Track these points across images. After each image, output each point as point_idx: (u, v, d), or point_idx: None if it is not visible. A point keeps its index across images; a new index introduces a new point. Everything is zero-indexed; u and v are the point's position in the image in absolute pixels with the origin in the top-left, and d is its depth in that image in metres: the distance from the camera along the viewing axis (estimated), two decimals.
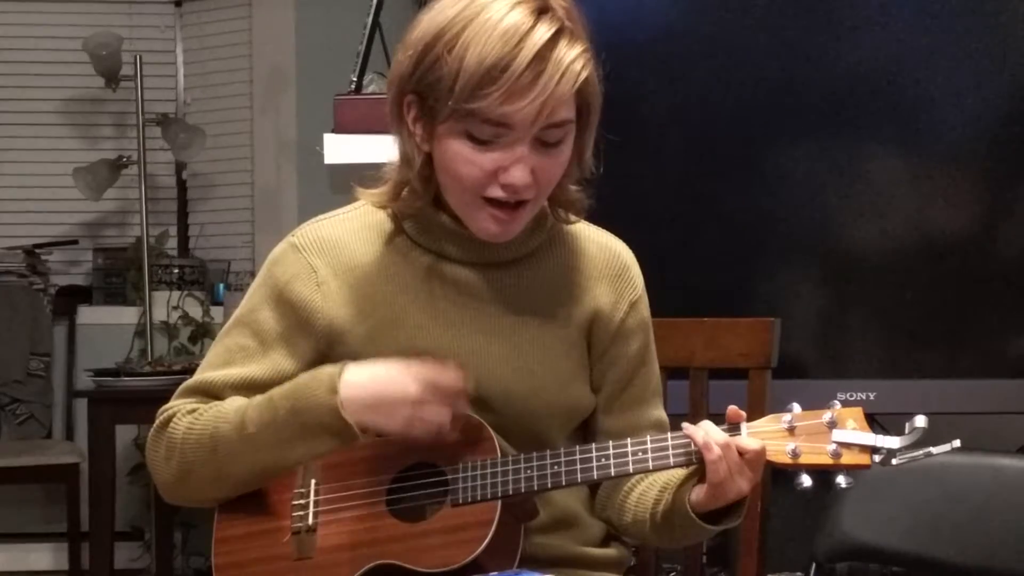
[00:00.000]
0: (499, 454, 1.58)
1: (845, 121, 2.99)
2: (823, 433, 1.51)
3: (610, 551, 1.77)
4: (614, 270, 1.76)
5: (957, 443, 1.49)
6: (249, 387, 1.68)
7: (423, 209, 1.68)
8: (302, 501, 1.66)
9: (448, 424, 1.57)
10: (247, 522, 1.68)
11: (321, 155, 2.60)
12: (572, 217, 1.74)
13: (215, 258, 5.12)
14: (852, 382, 2.92)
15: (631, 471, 1.57)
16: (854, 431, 1.50)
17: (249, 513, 1.68)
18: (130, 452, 4.68)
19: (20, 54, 5.15)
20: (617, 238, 1.80)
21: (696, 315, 2.07)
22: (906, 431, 1.49)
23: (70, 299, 5.04)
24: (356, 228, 1.73)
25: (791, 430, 1.53)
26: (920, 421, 1.48)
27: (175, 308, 4.92)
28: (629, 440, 1.57)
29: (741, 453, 1.52)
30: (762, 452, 1.52)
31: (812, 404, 1.54)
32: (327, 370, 1.61)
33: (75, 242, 5.14)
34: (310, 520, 1.64)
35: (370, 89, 2.69)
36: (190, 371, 1.83)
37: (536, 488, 1.57)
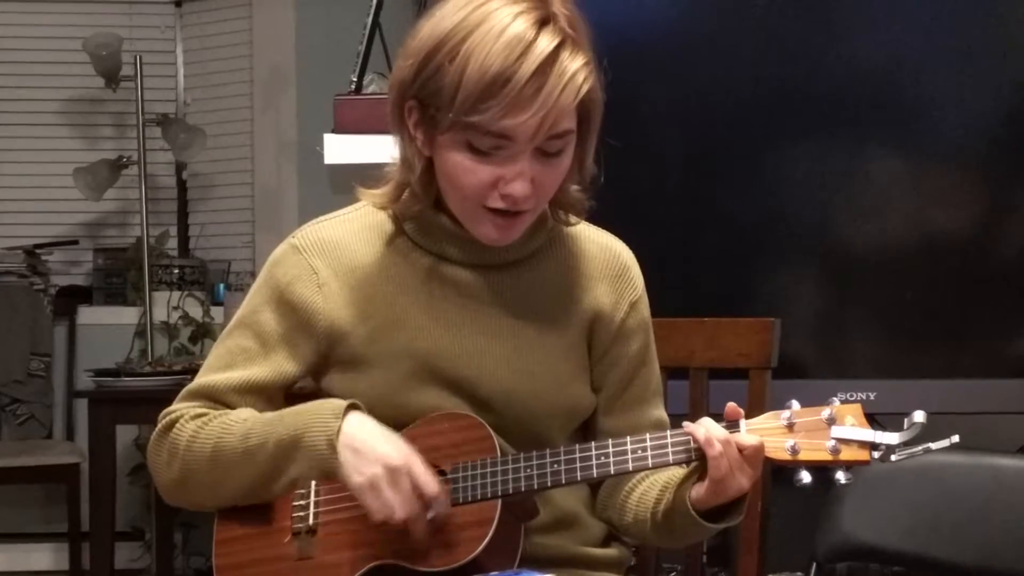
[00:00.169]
0: (499, 453, 1.59)
1: (845, 121, 2.99)
2: (822, 429, 1.52)
3: (610, 551, 1.77)
4: (614, 270, 1.76)
5: (956, 438, 1.49)
6: (251, 389, 1.69)
7: (423, 211, 1.68)
8: (303, 502, 1.66)
9: (401, 519, 1.54)
10: (248, 523, 1.68)
11: (321, 155, 2.60)
12: (573, 219, 1.74)
13: (215, 258, 5.12)
14: (852, 382, 2.92)
15: (631, 469, 1.57)
16: (853, 427, 1.51)
17: (250, 514, 1.68)
18: (130, 452, 4.68)
19: (20, 54, 5.16)
20: (617, 238, 1.80)
21: (696, 315, 2.07)
22: (905, 426, 1.49)
23: (70, 299, 5.04)
24: (357, 229, 1.73)
25: (790, 427, 1.53)
26: (919, 416, 1.49)
27: (175, 308, 4.92)
28: (629, 438, 1.57)
29: (740, 449, 1.53)
30: (761, 448, 1.53)
31: (812, 404, 1.55)
32: (339, 402, 1.62)
33: (75, 242, 5.15)
34: (311, 521, 1.65)
35: (370, 89, 2.69)
36: (190, 371, 1.84)
37: (536, 487, 1.57)
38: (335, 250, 1.71)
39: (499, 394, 1.66)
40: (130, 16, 5.20)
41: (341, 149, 2.57)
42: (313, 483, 1.65)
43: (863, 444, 1.50)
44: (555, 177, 1.62)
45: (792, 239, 3.02)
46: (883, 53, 2.97)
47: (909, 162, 3.01)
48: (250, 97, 5.04)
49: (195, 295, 4.96)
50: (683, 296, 2.30)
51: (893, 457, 1.49)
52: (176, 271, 4.97)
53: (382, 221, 1.73)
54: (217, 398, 1.70)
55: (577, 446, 1.59)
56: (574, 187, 1.69)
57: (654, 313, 1.80)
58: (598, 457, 1.57)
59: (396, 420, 1.63)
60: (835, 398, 1.54)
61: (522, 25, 1.53)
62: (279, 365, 1.69)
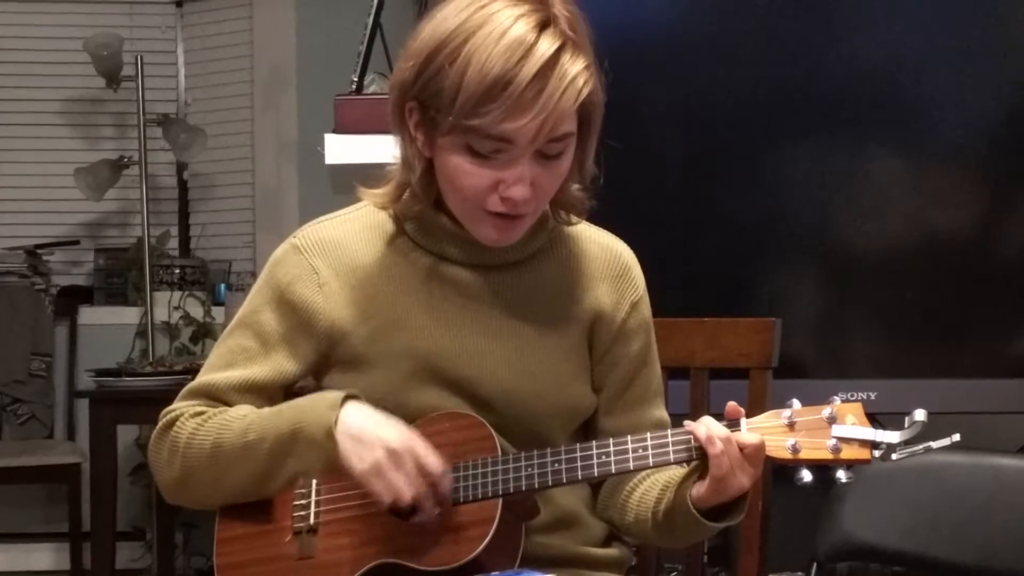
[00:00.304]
0: (500, 453, 1.59)
1: (845, 121, 2.99)
2: (823, 428, 1.52)
3: (611, 551, 1.77)
4: (615, 271, 1.76)
5: (957, 437, 1.50)
6: (251, 388, 1.69)
7: (424, 212, 1.69)
8: (303, 501, 1.66)
9: (407, 500, 1.55)
10: (249, 522, 1.68)
11: (322, 155, 2.60)
12: (573, 219, 1.74)
13: (216, 258, 5.13)
14: (852, 382, 2.92)
15: (631, 468, 1.57)
16: (854, 426, 1.51)
17: (251, 513, 1.68)
18: (131, 452, 4.68)
19: (21, 54, 5.16)
20: (618, 239, 1.80)
21: (697, 315, 2.07)
22: (906, 425, 1.49)
23: (71, 299, 5.04)
24: (358, 229, 1.73)
25: (791, 425, 1.53)
26: (919, 415, 1.49)
27: (176, 308, 4.92)
28: (629, 437, 1.57)
29: (741, 448, 1.53)
30: (761, 446, 1.53)
31: (813, 403, 1.55)
32: (336, 392, 1.62)
33: (76, 242, 5.15)
34: (312, 520, 1.65)
35: (371, 89, 2.69)
36: (191, 371, 1.84)
37: (537, 486, 1.58)
38: (336, 250, 1.71)
39: (500, 394, 1.67)
40: (131, 16, 5.20)
41: (342, 149, 2.57)
42: (314, 482, 1.66)
43: (864, 443, 1.50)
44: (555, 179, 1.62)
45: (792, 239, 3.02)
46: (883, 53, 2.97)
47: (909, 162, 3.01)
48: (251, 97, 5.04)
49: (196, 295, 4.96)
50: (684, 296, 2.30)
51: (894, 456, 1.49)
52: (177, 271, 4.97)
53: (383, 221, 1.73)
54: (217, 397, 1.70)
55: (578, 445, 1.59)
56: (575, 187, 1.69)
57: (655, 313, 1.80)
58: (599, 456, 1.57)
59: None
60: (836, 397, 1.54)
61: (523, 28, 1.53)
62: (279, 365, 1.69)
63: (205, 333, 4.90)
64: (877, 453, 1.50)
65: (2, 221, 5.15)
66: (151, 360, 4.60)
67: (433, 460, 1.56)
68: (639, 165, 2.78)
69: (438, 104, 1.56)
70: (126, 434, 4.45)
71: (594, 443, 1.59)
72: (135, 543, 4.82)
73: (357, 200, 1.75)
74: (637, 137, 2.54)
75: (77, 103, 5.17)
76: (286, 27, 4.93)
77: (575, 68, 1.54)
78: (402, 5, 3.36)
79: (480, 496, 1.57)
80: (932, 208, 3.01)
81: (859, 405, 1.53)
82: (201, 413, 1.69)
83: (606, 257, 1.76)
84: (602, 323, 1.73)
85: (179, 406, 1.71)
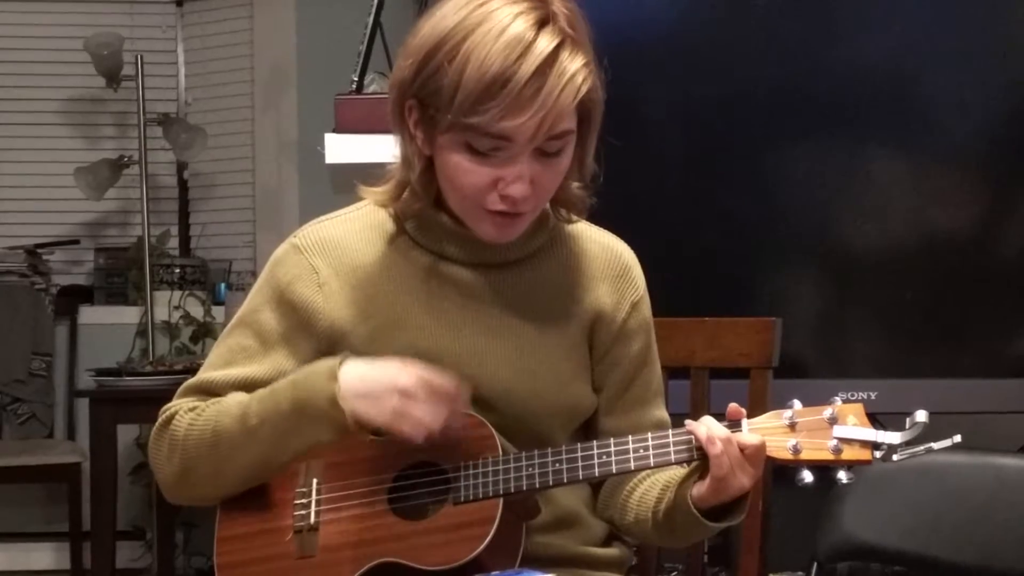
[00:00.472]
0: (501, 452, 1.59)
1: (846, 121, 2.99)
2: (824, 429, 1.52)
3: (612, 550, 1.77)
4: (616, 271, 1.76)
5: (958, 438, 1.49)
6: (250, 387, 1.68)
7: (424, 210, 1.69)
8: (304, 500, 1.66)
9: (439, 426, 1.56)
10: (249, 521, 1.68)
11: (322, 155, 2.60)
12: (574, 217, 1.74)
13: (216, 258, 5.12)
14: (853, 381, 2.92)
15: (632, 467, 1.57)
16: (855, 427, 1.51)
17: (251, 512, 1.68)
18: (131, 452, 4.68)
19: (21, 54, 5.15)
20: (619, 238, 1.80)
21: (697, 315, 2.07)
22: (907, 426, 1.49)
23: (71, 299, 5.04)
24: (358, 229, 1.73)
25: (792, 426, 1.53)
26: (921, 416, 1.49)
27: (176, 308, 4.92)
28: (630, 437, 1.57)
29: (742, 449, 1.53)
30: (762, 447, 1.53)
31: (814, 403, 1.55)
32: (328, 361, 1.61)
33: (76, 242, 5.15)
34: (312, 519, 1.65)
35: (371, 89, 2.69)
36: (191, 371, 1.84)
37: (538, 486, 1.58)
38: (336, 249, 1.71)
39: (500, 393, 1.67)
40: (131, 16, 5.20)
41: (342, 149, 2.57)
42: (315, 481, 1.66)
43: (865, 444, 1.50)
44: (554, 177, 1.62)
45: (793, 239, 3.03)
46: (883, 53, 2.98)
47: (909, 162, 3.01)
48: (251, 96, 5.04)
49: (196, 295, 4.96)
50: (684, 296, 2.30)
51: (895, 457, 1.49)
52: (177, 271, 4.97)
53: (383, 220, 1.73)
54: (216, 394, 1.70)
55: (579, 445, 1.59)
56: (575, 185, 1.68)
57: (655, 313, 1.80)
58: (600, 456, 1.57)
59: None
60: (837, 398, 1.54)
61: (522, 25, 1.53)
62: (278, 364, 1.69)
63: (205, 333, 4.90)
64: (878, 454, 1.50)
65: (2, 221, 5.15)
66: (151, 360, 4.60)
67: (442, 380, 1.56)
68: (639, 165, 2.78)
69: (437, 102, 1.56)
70: (126, 433, 4.45)
71: (595, 443, 1.59)
72: (135, 542, 4.82)
73: (357, 200, 1.76)
74: (637, 136, 2.54)
75: (77, 102, 5.16)
76: (286, 26, 4.93)
77: (574, 65, 1.54)
78: (402, 4, 3.36)
79: (481, 495, 1.57)
80: (932, 208, 3.01)
81: (860, 406, 1.53)
82: (197, 407, 1.69)
83: (607, 257, 1.76)
84: (602, 323, 1.73)
85: (176, 403, 1.71)
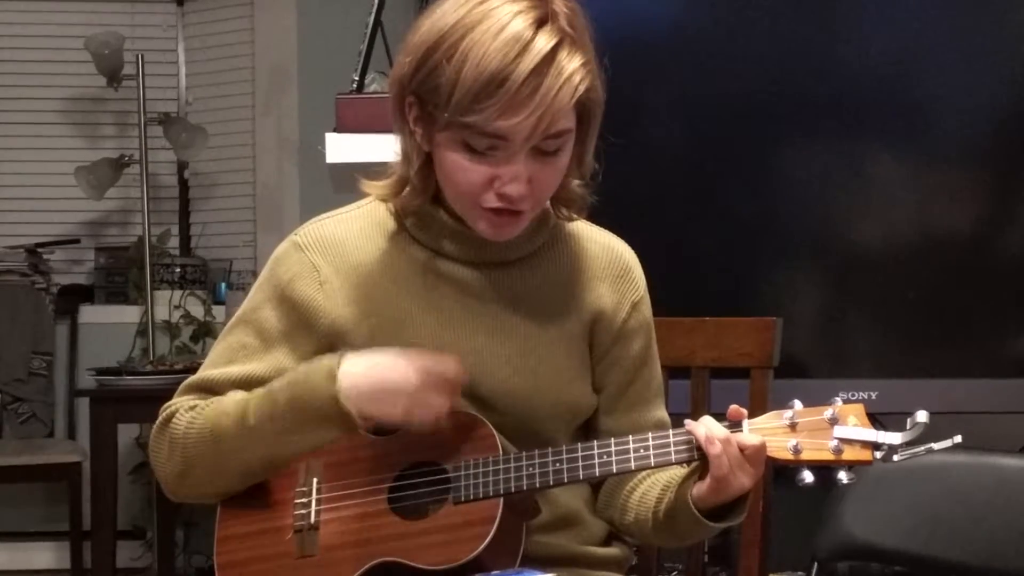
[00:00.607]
0: (501, 452, 1.59)
1: (847, 120, 2.99)
2: (824, 429, 1.51)
3: (612, 550, 1.77)
4: (616, 270, 1.76)
5: (959, 438, 1.49)
6: (251, 385, 1.68)
7: (423, 206, 1.69)
8: (304, 499, 1.66)
9: (447, 409, 1.57)
10: (249, 520, 1.68)
11: (323, 154, 2.60)
12: (574, 215, 1.74)
13: (217, 257, 5.12)
14: (854, 381, 2.93)
15: (633, 467, 1.57)
16: (855, 427, 1.51)
17: (251, 511, 1.68)
18: (132, 451, 4.68)
19: (22, 53, 5.15)
20: (619, 238, 1.80)
21: (698, 314, 2.07)
22: (907, 426, 1.49)
23: (72, 298, 5.04)
24: (359, 227, 1.73)
25: (792, 426, 1.53)
26: (922, 416, 1.49)
27: (177, 307, 4.92)
28: (631, 437, 1.57)
29: (742, 449, 1.52)
30: (762, 447, 1.53)
31: (814, 403, 1.55)
32: (325, 361, 1.61)
33: (77, 241, 5.15)
34: (312, 518, 1.65)
35: (372, 88, 2.69)
36: (192, 370, 1.84)
37: (538, 485, 1.57)
38: (337, 247, 1.71)
39: (500, 393, 1.66)
40: (132, 15, 5.20)
41: (343, 148, 2.58)
42: (315, 480, 1.66)
43: (866, 444, 1.50)
44: (553, 176, 1.62)
45: (793, 238, 3.03)
46: (884, 53, 2.98)
47: (910, 161, 3.01)
48: (252, 96, 5.04)
49: (197, 294, 4.96)
50: (684, 295, 2.30)
51: (896, 457, 1.49)
52: (178, 270, 4.97)
53: (384, 218, 1.73)
54: (216, 392, 1.70)
55: (579, 445, 1.59)
56: (575, 183, 1.68)
57: (655, 312, 1.80)
58: (600, 456, 1.57)
59: None
60: (837, 398, 1.54)
61: (520, 24, 1.53)
62: (279, 362, 1.69)
63: (206, 332, 4.90)
64: (879, 454, 1.50)
65: (2, 220, 5.15)
66: (152, 359, 4.60)
67: (442, 367, 1.57)
68: (639, 164, 2.78)
69: (435, 99, 1.56)
70: (126, 433, 4.45)
71: (595, 443, 1.59)
72: (136, 542, 4.82)
73: (358, 199, 1.75)
74: (637, 135, 2.54)
75: (78, 102, 5.16)
76: (287, 26, 4.93)
77: (572, 65, 1.54)
78: (403, 4, 3.36)
79: (481, 495, 1.57)
80: (933, 208, 3.01)
81: (861, 406, 1.53)
82: (197, 406, 1.69)
83: (607, 257, 1.76)
84: (603, 323, 1.73)
85: (177, 401, 1.71)
